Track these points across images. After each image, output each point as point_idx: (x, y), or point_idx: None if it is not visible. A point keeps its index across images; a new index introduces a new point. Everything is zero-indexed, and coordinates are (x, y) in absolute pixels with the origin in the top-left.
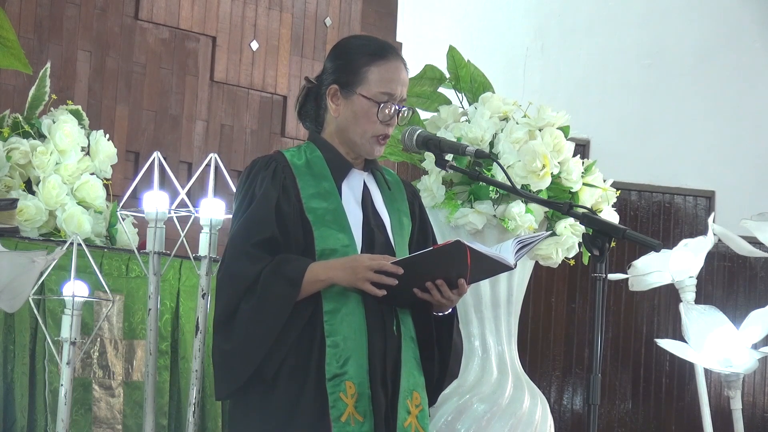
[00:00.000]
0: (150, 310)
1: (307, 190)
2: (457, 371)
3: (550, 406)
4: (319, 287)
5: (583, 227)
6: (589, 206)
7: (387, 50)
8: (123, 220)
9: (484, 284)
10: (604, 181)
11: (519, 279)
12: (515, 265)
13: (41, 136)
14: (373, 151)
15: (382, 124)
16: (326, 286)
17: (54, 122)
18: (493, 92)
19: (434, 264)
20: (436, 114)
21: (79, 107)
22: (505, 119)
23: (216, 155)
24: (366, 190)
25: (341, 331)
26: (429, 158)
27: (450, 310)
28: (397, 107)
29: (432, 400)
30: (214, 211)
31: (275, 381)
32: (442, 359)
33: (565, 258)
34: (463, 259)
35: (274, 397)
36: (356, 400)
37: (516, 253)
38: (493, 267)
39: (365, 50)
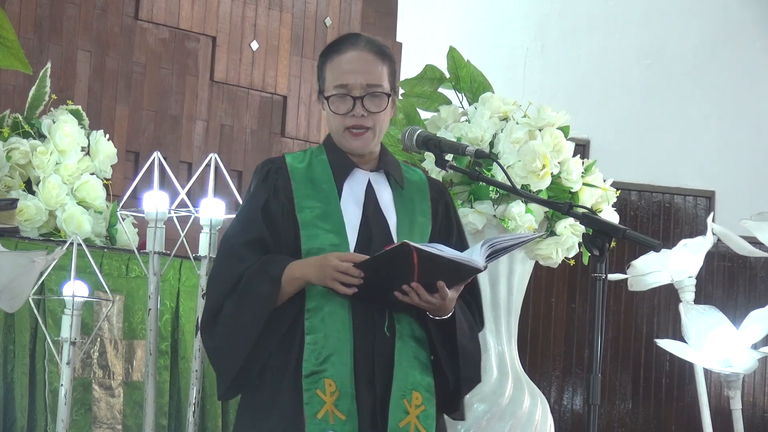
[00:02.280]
0: (150, 310)
1: (300, 191)
2: (476, 377)
3: (550, 406)
4: (297, 285)
5: (583, 227)
6: (589, 206)
7: (340, 42)
8: (123, 220)
9: (484, 284)
10: (604, 181)
11: (519, 279)
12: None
13: (41, 136)
14: (351, 146)
15: (349, 117)
16: (302, 284)
17: (54, 122)
18: (493, 92)
19: (387, 266)
20: (436, 114)
21: (79, 107)
22: (505, 119)
23: (216, 155)
24: (370, 190)
25: (321, 328)
26: (429, 158)
27: (450, 314)
28: (352, 97)
29: (452, 406)
30: (214, 211)
31: (260, 379)
32: (452, 363)
33: (565, 258)
34: (410, 262)
35: (258, 395)
36: (337, 398)
37: (488, 256)
38: (458, 270)
39: (324, 51)
